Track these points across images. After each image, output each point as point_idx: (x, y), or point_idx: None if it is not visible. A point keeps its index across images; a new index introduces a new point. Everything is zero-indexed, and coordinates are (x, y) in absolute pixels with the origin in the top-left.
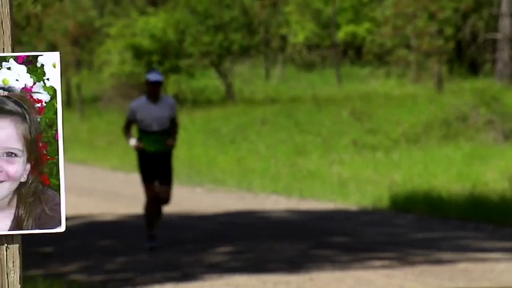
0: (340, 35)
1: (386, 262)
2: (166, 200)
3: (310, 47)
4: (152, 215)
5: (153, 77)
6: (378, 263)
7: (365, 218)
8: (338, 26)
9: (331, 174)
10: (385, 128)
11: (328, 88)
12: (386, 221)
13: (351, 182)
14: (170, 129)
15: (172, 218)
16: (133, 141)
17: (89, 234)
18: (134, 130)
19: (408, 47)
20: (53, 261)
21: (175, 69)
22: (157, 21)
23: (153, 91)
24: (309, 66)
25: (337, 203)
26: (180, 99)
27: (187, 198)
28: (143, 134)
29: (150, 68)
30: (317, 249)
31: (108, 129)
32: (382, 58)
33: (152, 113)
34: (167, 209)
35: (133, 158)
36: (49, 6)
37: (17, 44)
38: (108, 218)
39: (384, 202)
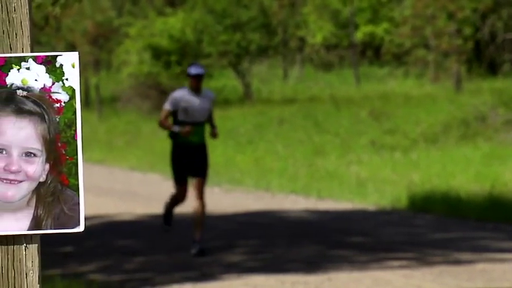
0: (359, 35)
1: (404, 262)
2: (200, 191)
3: (329, 47)
4: (173, 209)
5: (195, 70)
6: (396, 263)
7: (383, 218)
8: (356, 26)
9: (350, 174)
10: (403, 128)
11: (347, 88)
12: (405, 221)
13: (369, 182)
14: (208, 122)
15: (190, 218)
16: (179, 127)
17: (107, 234)
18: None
19: (427, 47)
20: (72, 261)
21: None
22: (175, 22)
23: (195, 84)
24: (327, 67)
25: (355, 203)
26: None
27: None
28: (182, 126)
29: (192, 62)
30: (335, 249)
31: (126, 129)
32: (400, 58)
33: (195, 104)
34: (185, 209)
35: (151, 158)
36: (68, 7)
37: (36, 44)
38: (126, 217)
39: (402, 202)
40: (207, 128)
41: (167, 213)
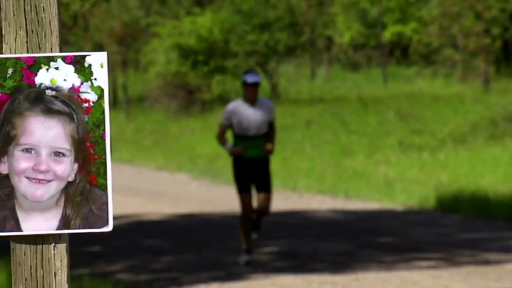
0: (387, 35)
1: (432, 262)
2: (265, 210)
3: (356, 47)
4: (248, 228)
5: (251, 78)
6: (423, 263)
7: (411, 218)
8: (384, 26)
9: (377, 174)
10: (431, 128)
11: (374, 88)
12: (433, 221)
13: (397, 182)
14: (268, 134)
15: (218, 218)
16: (230, 147)
17: (134, 234)
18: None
19: (455, 46)
20: (99, 260)
21: (221, 69)
22: (204, 21)
23: (251, 93)
24: (354, 66)
25: (383, 203)
26: (225, 99)
27: (232, 199)
28: (239, 140)
29: (247, 69)
30: (363, 249)
31: (154, 129)
32: (428, 58)
33: (250, 116)
34: (212, 208)
35: (178, 158)
36: (96, 6)
37: (64, 44)
38: (153, 217)
39: (430, 202)
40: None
41: (246, 237)
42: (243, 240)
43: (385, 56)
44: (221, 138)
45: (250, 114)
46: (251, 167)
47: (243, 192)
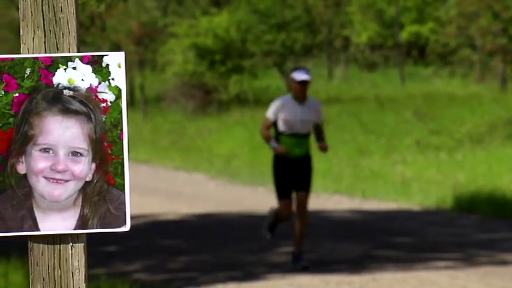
0: (404, 34)
1: (449, 263)
2: (303, 206)
3: (373, 46)
4: (278, 224)
5: (301, 75)
6: (441, 263)
7: (428, 219)
8: (401, 26)
9: (394, 174)
10: (448, 128)
11: (392, 88)
12: (450, 221)
13: (414, 182)
14: (317, 134)
15: (235, 218)
16: (275, 144)
17: (151, 234)
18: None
19: (472, 46)
20: (117, 260)
21: (238, 69)
22: (220, 20)
23: (300, 91)
24: (372, 66)
25: (400, 203)
26: (242, 99)
27: (249, 198)
28: (282, 137)
29: (297, 66)
30: (380, 249)
31: (171, 129)
32: (445, 58)
33: (297, 114)
34: (229, 208)
35: (196, 158)
36: (113, 6)
37: (81, 44)
38: (170, 217)
39: (448, 202)
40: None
41: (270, 226)
42: (268, 226)
43: (402, 56)
44: (265, 133)
45: (297, 112)
46: (293, 166)
47: (283, 198)
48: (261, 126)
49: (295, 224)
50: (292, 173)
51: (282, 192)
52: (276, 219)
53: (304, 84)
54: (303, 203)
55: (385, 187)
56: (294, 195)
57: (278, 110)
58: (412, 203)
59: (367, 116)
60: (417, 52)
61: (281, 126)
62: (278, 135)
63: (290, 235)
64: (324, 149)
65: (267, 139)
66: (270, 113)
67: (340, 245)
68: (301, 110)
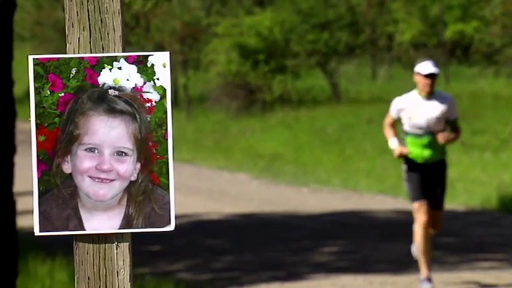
0: (448, 33)
1: (494, 263)
2: (437, 226)
3: (417, 46)
4: (429, 248)
5: (427, 68)
6: (485, 264)
7: (473, 219)
8: (445, 25)
9: None
10: (493, 128)
11: (436, 88)
12: (495, 221)
13: (459, 182)
14: (452, 130)
15: (278, 218)
16: (395, 144)
17: (195, 233)
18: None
19: None
20: (161, 259)
21: (281, 69)
22: (263, 18)
23: (426, 85)
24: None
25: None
26: (285, 99)
27: (293, 198)
28: (409, 138)
29: (422, 58)
30: None
31: (214, 129)
32: (490, 57)
33: (423, 111)
34: (272, 208)
35: (239, 158)
36: (158, 6)
37: (126, 44)
38: (214, 217)
39: (492, 203)
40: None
41: (425, 259)
42: (423, 265)
43: (446, 55)
44: (387, 130)
45: (423, 109)
46: (425, 173)
47: (419, 200)
48: (385, 122)
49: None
50: (424, 179)
51: (417, 194)
52: (422, 249)
53: (431, 77)
54: (436, 217)
55: None
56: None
57: (401, 107)
58: (457, 203)
59: None
60: (461, 51)
61: (406, 125)
62: (405, 134)
63: (337, 234)
64: (441, 139)
65: (388, 137)
66: (392, 109)
67: (384, 245)
68: (429, 107)
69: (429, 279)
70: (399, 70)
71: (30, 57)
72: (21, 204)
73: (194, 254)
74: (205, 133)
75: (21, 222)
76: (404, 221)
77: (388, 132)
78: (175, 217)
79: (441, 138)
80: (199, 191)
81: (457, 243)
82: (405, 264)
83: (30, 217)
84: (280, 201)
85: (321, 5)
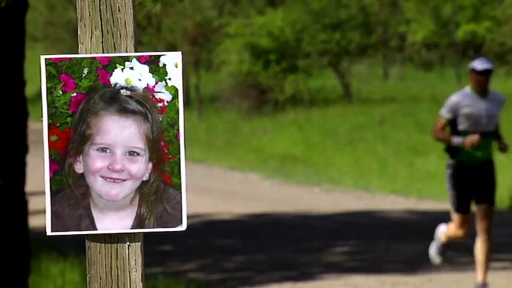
0: (460, 33)
1: (506, 264)
2: (487, 223)
3: (429, 46)
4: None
5: (482, 64)
6: (498, 264)
7: None
8: (457, 25)
9: None
10: (505, 129)
11: (448, 87)
12: (507, 222)
13: None
14: (494, 133)
15: (290, 218)
16: (460, 139)
17: (206, 233)
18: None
19: None
20: (172, 259)
21: (293, 69)
22: (275, 18)
23: (481, 83)
24: (427, 66)
25: None
26: (297, 99)
27: (304, 198)
28: (464, 137)
29: (475, 54)
30: None
31: (226, 129)
32: (502, 57)
33: (481, 110)
34: (284, 208)
35: (250, 158)
36: (169, 5)
37: (138, 44)
38: (225, 217)
39: (505, 203)
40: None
41: (441, 249)
42: (439, 244)
43: (458, 55)
44: (441, 134)
45: (481, 108)
46: (474, 174)
47: (461, 212)
48: (433, 127)
49: (476, 246)
50: (473, 182)
51: (461, 205)
52: (448, 238)
53: (486, 74)
54: (486, 219)
55: (441, 187)
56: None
57: (457, 106)
58: None
59: (423, 115)
60: (473, 51)
61: (462, 125)
62: (457, 135)
63: (349, 234)
64: (504, 149)
65: (446, 139)
66: (445, 110)
67: (396, 245)
68: (486, 104)
69: (485, 285)
70: (411, 70)
71: (43, 57)
72: (33, 204)
73: (206, 254)
74: (216, 133)
75: (34, 222)
76: (416, 221)
77: (443, 134)
78: (187, 217)
79: (504, 149)
80: (210, 191)
81: (468, 244)
82: (417, 264)
83: (42, 217)
84: (291, 201)
85: (332, 5)
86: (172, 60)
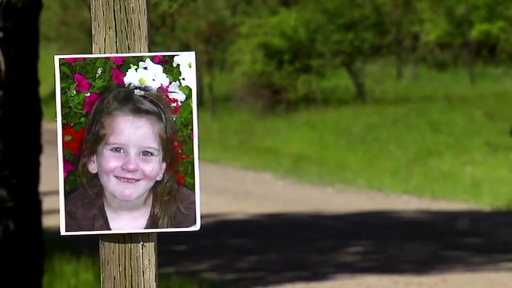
0: (474, 33)
1: None
2: None
3: (443, 45)
4: None
5: None
6: (509, 264)
7: (498, 219)
8: (471, 25)
9: (464, 174)
10: None
11: (461, 88)
12: None
13: (484, 182)
14: None
15: (303, 218)
16: None
17: (220, 233)
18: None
19: None
20: (185, 259)
21: (306, 69)
22: (288, 18)
23: None
24: (441, 66)
25: (469, 203)
26: (310, 99)
27: (318, 198)
28: None
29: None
30: (449, 250)
31: (239, 129)
32: None
33: None
34: (297, 208)
35: (264, 158)
36: (184, 6)
37: (152, 44)
38: (239, 217)
39: None
40: None
41: None
42: None
43: (472, 55)
44: None
45: None
46: None
47: None
48: None
49: None
50: None
51: None
52: None
53: None
54: None
55: (455, 187)
56: None
57: None
58: (482, 204)
59: (437, 115)
60: (487, 51)
61: None
62: None
63: (362, 234)
64: None
65: None
66: None
67: (409, 245)
68: None
69: None
70: (424, 70)
71: (56, 57)
72: (47, 204)
73: (219, 254)
74: (230, 133)
75: (47, 222)
76: (430, 221)
77: None
78: (201, 217)
79: None
80: (224, 190)
81: (482, 244)
82: (430, 264)
83: (56, 217)
84: (305, 201)
85: (346, 5)
86: (186, 60)
